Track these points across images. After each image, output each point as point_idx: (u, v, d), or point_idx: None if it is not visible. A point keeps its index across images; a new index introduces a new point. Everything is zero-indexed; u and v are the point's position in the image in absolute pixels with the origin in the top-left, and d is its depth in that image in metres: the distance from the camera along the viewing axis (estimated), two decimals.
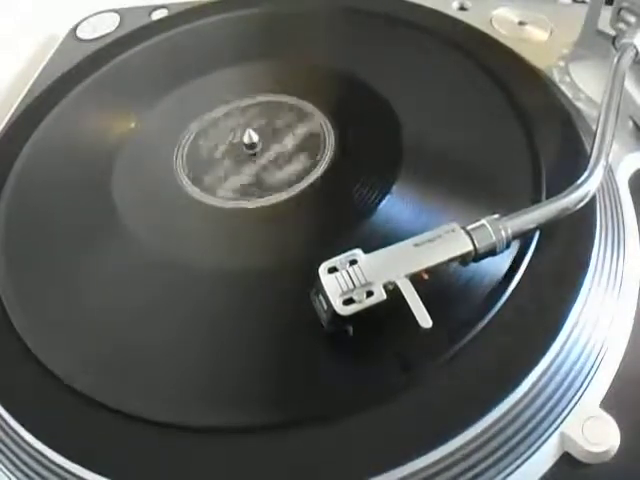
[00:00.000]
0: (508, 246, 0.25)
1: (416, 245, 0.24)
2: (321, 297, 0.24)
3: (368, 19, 0.40)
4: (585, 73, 0.36)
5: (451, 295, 0.26)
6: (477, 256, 0.25)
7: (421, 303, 0.23)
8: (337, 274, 0.24)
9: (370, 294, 0.23)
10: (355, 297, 0.23)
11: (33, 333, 0.28)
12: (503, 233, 0.25)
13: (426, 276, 0.24)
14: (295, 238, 0.30)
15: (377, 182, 0.30)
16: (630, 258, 0.28)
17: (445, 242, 0.24)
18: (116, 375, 0.26)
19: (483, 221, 0.25)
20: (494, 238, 0.24)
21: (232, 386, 0.25)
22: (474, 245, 0.24)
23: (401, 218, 0.29)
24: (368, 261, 0.24)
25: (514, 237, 0.25)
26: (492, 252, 0.25)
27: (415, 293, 0.23)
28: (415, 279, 0.24)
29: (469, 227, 0.25)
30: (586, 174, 0.26)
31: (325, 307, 0.24)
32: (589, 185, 0.26)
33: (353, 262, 0.24)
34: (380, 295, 0.23)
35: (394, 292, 0.23)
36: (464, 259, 0.25)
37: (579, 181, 0.26)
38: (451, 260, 0.24)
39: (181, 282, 0.29)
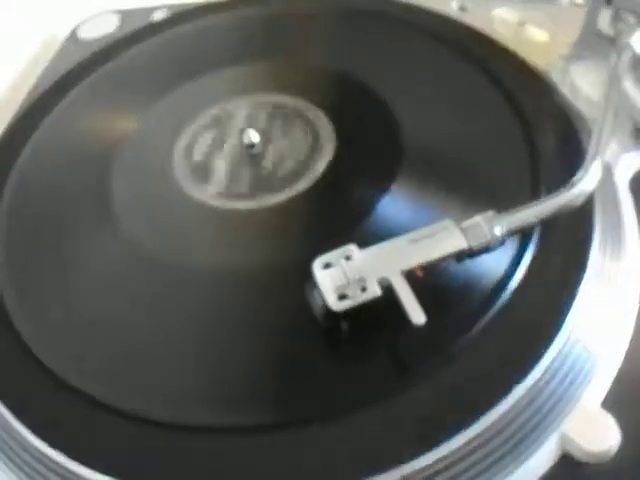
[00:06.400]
0: (502, 243, 0.25)
1: (410, 241, 0.24)
2: (315, 292, 0.24)
3: (368, 20, 0.40)
4: (585, 73, 0.36)
5: (450, 295, 0.26)
6: (471, 253, 0.25)
7: (414, 300, 0.23)
8: (331, 269, 0.24)
9: (364, 290, 0.23)
10: (349, 292, 0.23)
11: (33, 333, 0.28)
12: (498, 231, 0.25)
13: (420, 273, 0.24)
14: (295, 238, 0.30)
15: (376, 181, 0.30)
16: (630, 258, 0.28)
17: (439, 239, 0.24)
18: (116, 375, 0.26)
19: (477, 218, 0.25)
20: (488, 235, 0.25)
21: (232, 386, 0.25)
22: (468, 242, 0.24)
23: (400, 217, 0.29)
24: (362, 257, 0.24)
25: (509, 235, 0.25)
26: (487, 249, 0.25)
27: (408, 289, 0.23)
28: (409, 276, 0.24)
29: (464, 224, 0.25)
30: (582, 172, 0.26)
31: (319, 302, 0.24)
32: (585, 183, 0.26)
33: (347, 258, 0.24)
34: (374, 291, 0.23)
35: (390, 288, 0.23)
36: (458, 256, 0.25)
37: (575, 179, 0.26)
38: (445, 257, 0.24)
39: (181, 282, 0.29)
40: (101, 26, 0.47)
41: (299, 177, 0.32)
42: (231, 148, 0.34)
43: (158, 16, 0.46)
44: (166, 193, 0.32)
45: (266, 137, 0.34)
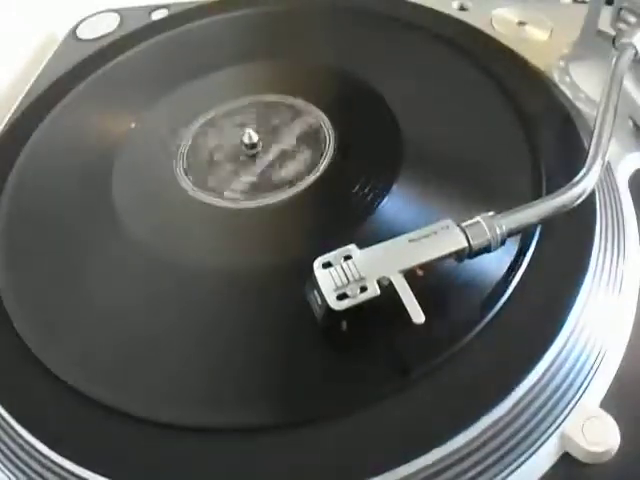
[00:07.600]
0: (503, 243, 0.25)
1: (410, 241, 0.24)
2: (315, 292, 0.24)
3: (368, 19, 0.40)
4: (585, 73, 0.36)
5: (451, 295, 0.26)
6: (471, 253, 0.25)
7: (414, 299, 0.23)
8: (331, 269, 0.24)
9: (364, 289, 0.23)
10: (349, 292, 0.23)
11: (33, 333, 0.28)
12: (498, 230, 0.25)
13: (420, 272, 0.24)
14: (295, 238, 0.30)
15: (377, 182, 0.30)
16: (630, 258, 0.28)
17: (439, 238, 0.24)
18: (116, 375, 0.26)
19: (478, 218, 0.25)
20: (489, 235, 0.24)
21: (232, 386, 0.25)
22: (468, 242, 0.24)
23: (401, 217, 0.29)
24: (362, 256, 0.24)
25: (509, 234, 0.25)
26: (487, 249, 0.25)
27: (408, 289, 0.23)
28: (409, 275, 0.24)
29: (464, 224, 0.25)
30: (583, 172, 0.26)
31: (319, 302, 0.24)
32: (585, 183, 0.26)
33: (347, 257, 0.24)
34: (374, 290, 0.23)
35: (389, 288, 0.23)
36: (458, 255, 0.25)
37: (575, 179, 0.26)
38: (445, 256, 0.24)
39: (181, 282, 0.29)
40: (100, 25, 0.47)
41: (299, 177, 0.32)
42: (231, 148, 0.34)
43: (157, 15, 0.47)
44: (166, 193, 0.32)
45: (266, 137, 0.34)
